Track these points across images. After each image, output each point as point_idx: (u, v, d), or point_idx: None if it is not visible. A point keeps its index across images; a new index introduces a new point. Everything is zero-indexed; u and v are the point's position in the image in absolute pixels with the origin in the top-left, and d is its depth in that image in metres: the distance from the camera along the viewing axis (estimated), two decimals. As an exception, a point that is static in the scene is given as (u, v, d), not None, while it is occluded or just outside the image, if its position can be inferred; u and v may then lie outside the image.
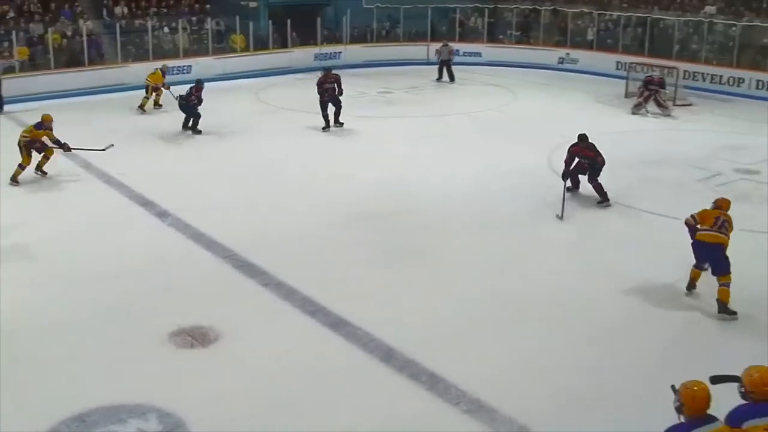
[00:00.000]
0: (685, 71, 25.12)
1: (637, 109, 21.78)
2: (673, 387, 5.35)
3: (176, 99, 19.99)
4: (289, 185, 14.62)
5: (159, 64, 22.56)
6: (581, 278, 10.72)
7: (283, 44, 28.54)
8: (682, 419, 5.23)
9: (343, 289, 10.08)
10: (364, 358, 8.48)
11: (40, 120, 14.88)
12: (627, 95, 23.76)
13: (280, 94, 23.90)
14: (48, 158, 14.95)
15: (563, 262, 11.35)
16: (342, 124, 19.31)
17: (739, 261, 9.69)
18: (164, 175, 14.94)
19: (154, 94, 21.43)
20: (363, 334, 8.89)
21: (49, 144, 14.81)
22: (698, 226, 9.77)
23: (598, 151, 13.66)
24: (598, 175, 13.65)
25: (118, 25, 25.26)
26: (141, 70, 23.94)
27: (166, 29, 26.90)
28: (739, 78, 25.29)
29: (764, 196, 14.43)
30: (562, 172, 13.67)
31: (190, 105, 18.62)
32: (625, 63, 26.19)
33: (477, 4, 32.27)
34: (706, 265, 9.84)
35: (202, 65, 25.60)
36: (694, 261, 9.97)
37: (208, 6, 28.83)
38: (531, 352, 8.68)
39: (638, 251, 11.75)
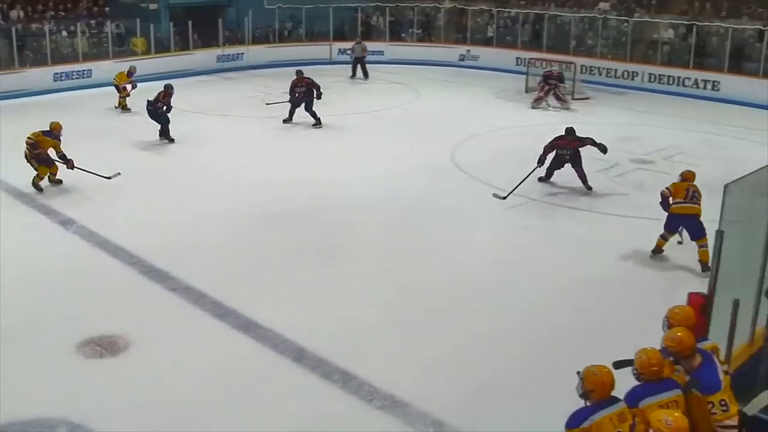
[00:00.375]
0: (582, 66, 25.83)
1: (537, 104, 22.34)
2: (578, 373, 5.56)
3: (119, 108, 21.05)
4: (196, 188, 14.49)
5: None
6: (494, 271, 10.99)
7: (184, 46, 28.18)
8: (588, 403, 5.47)
9: (252, 291, 10.08)
10: (275, 359, 8.51)
11: (48, 128, 14.20)
12: (527, 90, 24.32)
13: (183, 97, 23.37)
14: (54, 174, 14.41)
15: (474, 255, 11.60)
16: (320, 125, 19.57)
17: (638, 245, 10.07)
18: (65, 181, 14.56)
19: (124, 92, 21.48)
20: (274, 335, 8.92)
21: (54, 157, 14.17)
22: (671, 200, 10.72)
23: (582, 139, 14.37)
24: (581, 162, 14.34)
25: (14, 29, 24.48)
26: (39, 75, 23.42)
27: (64, 33, 26.21)
28: (633, 71, 26.20)
29: (659, 185, 14.90)
30: (538, 157, 14.23)
31: (157, 112, 17.78)
32: (525, 59, 26.73)
33: (378, 3, 32.49)
34: (680, 232, 11.00)
35: (102, 69, 25.00)
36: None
37: (107, 9, 28.23)
38: (445, 346, 8.83)
39: (549, 242, 12.12)
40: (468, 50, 30.31)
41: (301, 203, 13.54)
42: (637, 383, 5.64)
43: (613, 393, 5.46)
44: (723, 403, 5.44)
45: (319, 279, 10.60)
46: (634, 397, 5.51)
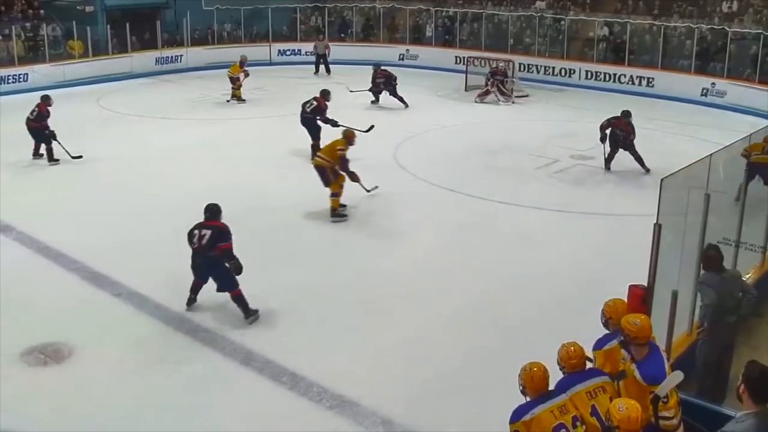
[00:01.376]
0: (520, 64, 26.30)
1: (481, 98, 23.04)
2: (519, 375, 5.72)
3: (233, 99, 22.71)
4: (135, 190, 14.28)
5: None
6: (439, 269, 11.03)
7: (122, 49, 27.81)
8: (528, 399, 5.63)
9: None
10: (223, 361, 8.50)
11: (342, 135, 13.37)
12: (467, 88, 24.61)
13: (122, 100, 23.31)
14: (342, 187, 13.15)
15: (419, 253, 11.64)
16: (407, 106, 22.21)
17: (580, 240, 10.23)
18: (2, 187, 14.18)
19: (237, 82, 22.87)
20: (220, 338, 8.91)
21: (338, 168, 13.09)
22: (750, 153, 11.40)
23: (634, 129, 15.48)
24: (634, 147, 15.40)
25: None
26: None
27: (-1, 36, 25.77)
28: (570, 69, 26.63)
29: (599, 180, 15.26)
30: (600, 136, 15.49)
31: (314, 121, 16.46)
32: (463, 57, 27.00)
33: (317, 4, 32.50)
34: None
35: (39, 73, 24.69)
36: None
37: (41, 11, 27.64)
38: (393, 344, 8.89)
39: (493, 238, 12.24)
40: (407, 50, 30.49)
41: (242, 206, 13.34)
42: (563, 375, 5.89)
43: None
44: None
45: (263, 280, 10.55)
46: (561, 387, 5.73)
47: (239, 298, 9.40)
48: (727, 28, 23.77)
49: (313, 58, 28.77)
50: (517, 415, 5.49)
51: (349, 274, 10.83)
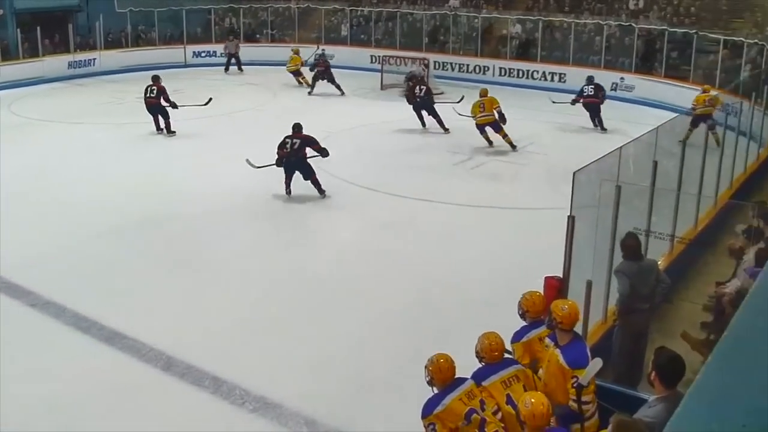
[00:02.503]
0: (435, 62, 26.53)
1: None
2: (425, 367, 5.83)
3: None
4: (52, 198, 13.98)
5: None
6: (360, 267, 11.11)
7: (33, 53, 27.08)
8: (436, 390, 5.75)
9: (115, 302, 9.84)
10: (143, 369, 8.37)
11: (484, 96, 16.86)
12: (383, 87, 24.76)
13: (34, 106, 22.71)
14: None
15: (340, 253, 11.68)
16: (343, 94, 24.33)
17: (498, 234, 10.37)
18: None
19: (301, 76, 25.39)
20: (140, 345, 8.76)
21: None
22: (696, 107, 16.52)
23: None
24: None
25: None
26: None
27: None
28: (484, 66, 27.02)
29: (514, 174, 15.53)
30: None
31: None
32: (379, 56, 27.09)
33: (232, 5, 32.28)
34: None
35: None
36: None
37: (-52, 15, 26.90)
38: (315, 345, 8.89)
39: (412, 235, 12.38)
40: (323, 49, 30.39)
41: (157, 209, 13.24)
42: (481, 365, 6.04)
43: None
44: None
45: (181, 287, 10.46)
46: (479, 377, 5.90)
47: (316, 182, 13.72)
48: (634, 25, 24.43)
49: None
50: (429, 408, 5.60)
51: (268, 276, 10.80)
